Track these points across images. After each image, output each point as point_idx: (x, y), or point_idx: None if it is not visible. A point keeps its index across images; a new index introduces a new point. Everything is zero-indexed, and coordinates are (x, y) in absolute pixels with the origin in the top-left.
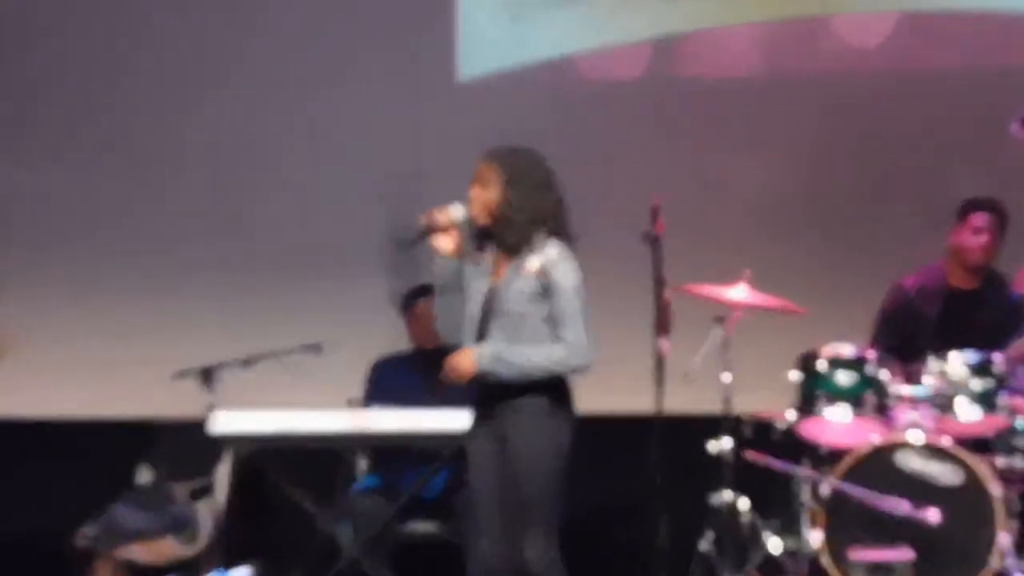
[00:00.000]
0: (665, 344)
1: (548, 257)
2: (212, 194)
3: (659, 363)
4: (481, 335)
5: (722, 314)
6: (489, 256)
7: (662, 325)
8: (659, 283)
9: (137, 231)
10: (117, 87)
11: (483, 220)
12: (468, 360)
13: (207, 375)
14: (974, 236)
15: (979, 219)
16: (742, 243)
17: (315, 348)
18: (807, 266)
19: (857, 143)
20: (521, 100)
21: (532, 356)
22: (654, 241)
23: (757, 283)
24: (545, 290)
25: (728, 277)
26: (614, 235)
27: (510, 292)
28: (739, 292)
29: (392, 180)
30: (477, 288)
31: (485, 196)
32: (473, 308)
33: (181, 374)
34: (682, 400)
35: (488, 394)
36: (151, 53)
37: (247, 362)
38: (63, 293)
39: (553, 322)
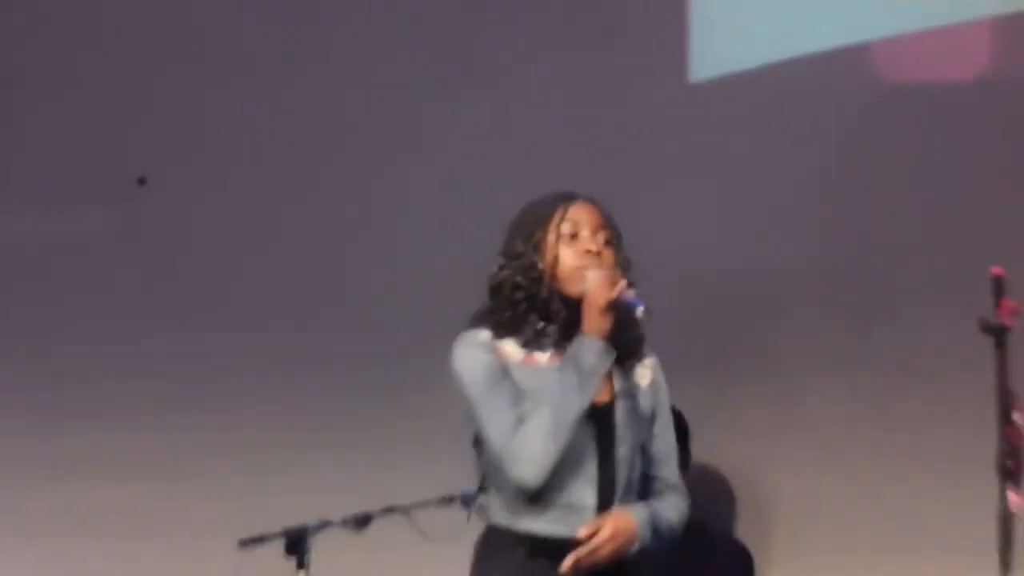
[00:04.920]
0: (1015, 499)
1: (653, 365)
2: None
3: (1005, 528)
4: (608, 487)
5: None
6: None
7: (1010, 467)
8: (1006, 400)
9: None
10: None
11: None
12: (628, 531)
13: (294, 542)
14: None
15: None
16: None
17: (464, 499)
18: None
19: None
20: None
21: (672, 518)
22: (998, 333)
23: None
24: (653, 415)
25: None
26: (919, 322)
27: (634, 417)
28: None
29: None
30: (569, 406)
31: (611, 258)
32: (579, 440)
33: (253, 541)
34: None
35: None
36: None
37: (358, 522)
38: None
39: (650, 459)
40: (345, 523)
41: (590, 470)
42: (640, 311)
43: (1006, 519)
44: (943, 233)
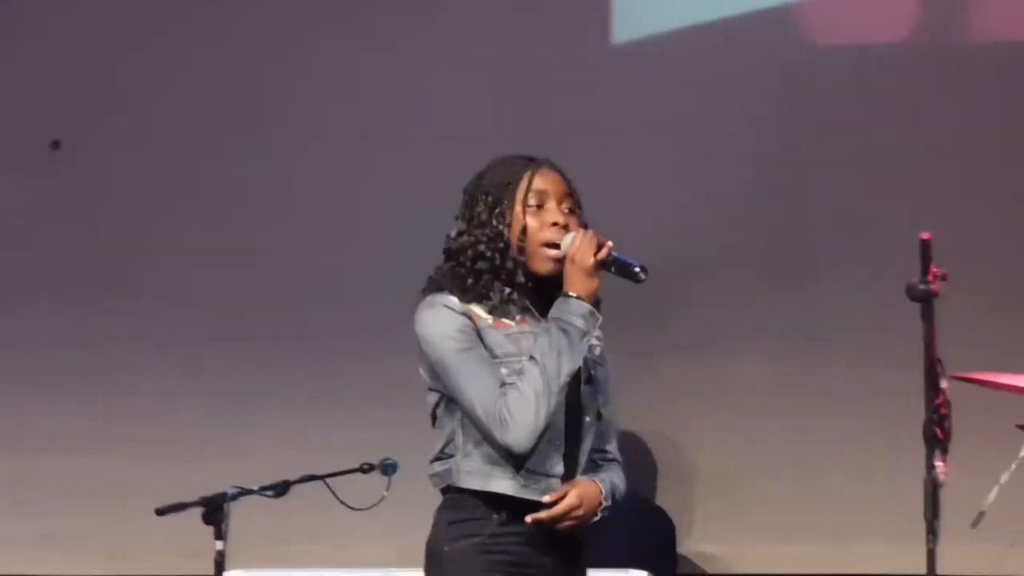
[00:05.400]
0: (942, 467)
1: (599, 335)
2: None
3: (932, 497)
4: (575, 454)
5: None
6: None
7: (937, 435)
8: (934, 369)
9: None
10: None
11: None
12: (593, 499)
13: (212, 510)
14: None
15: None
16: None
17: (384, 468)
18: None
19: None
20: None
21: (622, 489)
22: (926, 299)
23: None
24: (603, 384)
25: None
26: (845, 284)
27: (594, 386)
28: None
29: None
30: (560, 368)
31: (576, 226)
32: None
33: (169, 509)
34: (972, 557)
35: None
36: None
37: (276, 491)
38: None
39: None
40: (263, 491)
41: (560, 437)
42: (639, 270)
43: (933, 487)
44: (870, 195)
